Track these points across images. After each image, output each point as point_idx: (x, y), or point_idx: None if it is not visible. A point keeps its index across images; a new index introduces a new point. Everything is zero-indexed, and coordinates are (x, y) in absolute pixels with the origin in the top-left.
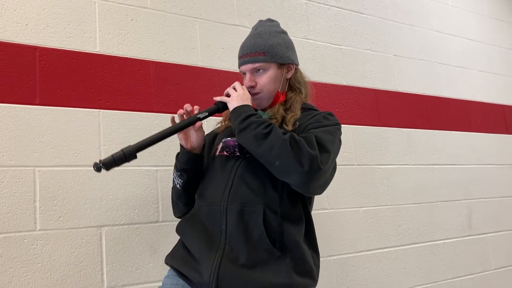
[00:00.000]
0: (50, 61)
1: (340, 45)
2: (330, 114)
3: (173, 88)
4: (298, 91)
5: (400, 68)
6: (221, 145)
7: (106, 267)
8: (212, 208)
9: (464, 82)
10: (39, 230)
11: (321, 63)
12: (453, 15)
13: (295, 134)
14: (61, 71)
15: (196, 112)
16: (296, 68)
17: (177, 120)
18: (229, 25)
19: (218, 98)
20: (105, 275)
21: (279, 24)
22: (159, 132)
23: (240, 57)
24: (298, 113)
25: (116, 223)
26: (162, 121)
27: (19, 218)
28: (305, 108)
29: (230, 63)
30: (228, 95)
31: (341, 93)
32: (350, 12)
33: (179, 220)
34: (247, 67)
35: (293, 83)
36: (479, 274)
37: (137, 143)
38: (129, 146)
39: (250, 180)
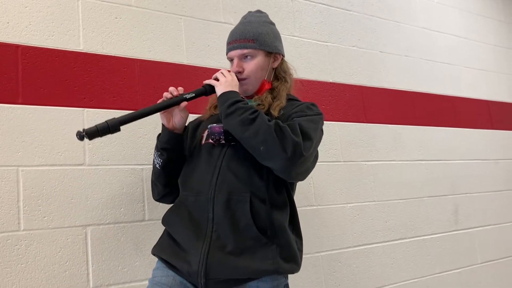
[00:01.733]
0: (33, 59)
1: (326, 42)
2: (313, 104)
3: (158, 86)
4: (283, 80)
5: (387, 65)
6: (206, 132)
7: (92, 266)
8: (199, 198)
9: (450, 79)
10: (23, 230)
11: (307, 60)
12: (439, 11)
13: (279, 121)
14: (44, 70)
15: (181, 92)
16: (282, 59)
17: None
18: (214, 22)
19: (207, 81)
20: (90, 275)
21: (267, 15)
22: (145, 108)
23: (229, 43)
24: (283, 101)
25: (102, 222)
26: (147, 119)
27: (2, 219)
28: (289, 99)
29: (216, 61)
30: (216, 79)
31: (327, 90)
32: (336, 9)
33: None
34: (236, 52)
35: (279, 72)
36: (465, 268)
37: (122, 116)
38: (114, 118)
39: (236, 168)
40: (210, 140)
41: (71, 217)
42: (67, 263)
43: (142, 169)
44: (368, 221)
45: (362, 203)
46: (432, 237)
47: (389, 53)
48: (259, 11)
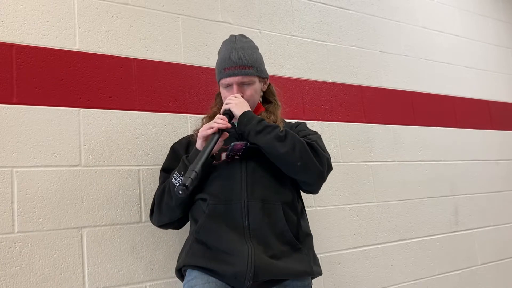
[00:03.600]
0: (28, 59)
1: (325, 42)
2: (306, 124)
3: (155, 85)
4: (275, 102)
5: (386, 65)
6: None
7: (88, 269)
8: (230, 206)
9: (449, 78)
10: (18, 232)
11: (306, 59)
12: (439, 11)
13: (306, 139)
14: (39, 69)
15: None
16: (269, 82)
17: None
18: (212, 22)
19: (223, 109)
20: (86, 277)
21: (252, 40)
22: (207, 146)
23: (225, 69)
24: (282, 123)
25: (98, 224)
26: (144, 119)
27: None
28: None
29: (214, 60)
30: (228, 104)
31: (326, 90)
32: (336, 8)
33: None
34: (236, 78)
35: (268, 95)
36: (465, 269)
37: (199, 162)
38: (193, 165)
39: (262, 179)
40: (223, 158)
41: (66, 218)
42: (62, 266)
43: (138, 170)
44: (367, 222)
45: (362, 204)
46: (431, 238)
47: (389, 52)
48: (244, 36)
